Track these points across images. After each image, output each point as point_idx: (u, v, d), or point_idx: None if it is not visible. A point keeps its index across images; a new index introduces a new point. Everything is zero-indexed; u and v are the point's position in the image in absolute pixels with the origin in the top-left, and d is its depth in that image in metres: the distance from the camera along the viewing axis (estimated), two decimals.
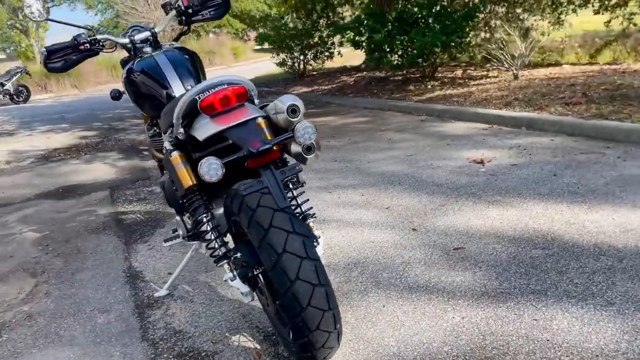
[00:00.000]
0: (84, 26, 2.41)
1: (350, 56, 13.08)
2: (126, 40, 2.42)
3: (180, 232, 2.25)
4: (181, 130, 1.61)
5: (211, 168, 1.40)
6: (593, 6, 9.23)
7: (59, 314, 2.32)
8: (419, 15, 7.15)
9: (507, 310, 1.89)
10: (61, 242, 3.27)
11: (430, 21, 7.19)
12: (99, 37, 2.36)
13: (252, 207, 1.51)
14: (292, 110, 1.58)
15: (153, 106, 2.21)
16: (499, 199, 3.02)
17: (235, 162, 1.54)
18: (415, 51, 7.24)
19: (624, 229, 2.42)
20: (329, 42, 11.67)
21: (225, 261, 1.70)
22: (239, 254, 1.67)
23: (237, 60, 28.07)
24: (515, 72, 6.61)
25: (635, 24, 8.68)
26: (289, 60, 12.06)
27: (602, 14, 9.07)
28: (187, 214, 2.16)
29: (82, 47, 2.31)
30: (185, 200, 1.77)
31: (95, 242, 3.19)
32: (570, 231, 2.47)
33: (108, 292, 2.49)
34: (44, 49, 2.24)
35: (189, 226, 2.15)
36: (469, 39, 7.16)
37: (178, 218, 2.20)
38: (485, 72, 8.00)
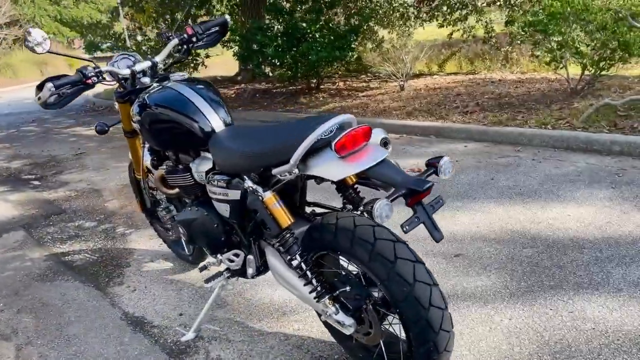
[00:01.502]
0: (87, 58, 2.19)
1: (213, 66, 12.94)
2: (127, 72, 2.26)
3: (223, 270, 2.17)
4: (296, 170, 1.59)
5: (385, 209, 1.41)
6: (437, 20, 10.41)
7: None
8: (308, 31, 7.40)
9: (542, 307, 2.16)
10: (11, 297, 2.86)
11: (317, 36, 7.48)
12: (103, 69, 2.17)
13: (370, 240, 1.57)
14: (384, 143, 1.67)
15: (180, 141, 2.10)
16: (460, 205, 3.35)
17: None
18: (305, 66, 7.48)
19: (583, 223, 2.87)
20: (194, 53, 11.42)
21: (327, 296, 1.71)
22: (347, 288, 1.70)
23: (72, 72, 25.87)
24: (401, 83, 7.19)
25: (474, 36, 9.96)
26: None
27: (446, 27, 10.28)
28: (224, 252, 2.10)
29: (89, 81, 2.11)
30: (279, 240, 1.74)
31: (58, 291, 2.86)
32: (542, 229, 2.86)
33: (121, 344, 2.29)
34: (50, 84, 2.00)
35: (231, 262, 2.09)
36: (355, 53, 7.60)
37: (220, 257, 2.12)
38: (365, 84, 8.55)
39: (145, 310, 2.55)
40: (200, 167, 2.09)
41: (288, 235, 1.72)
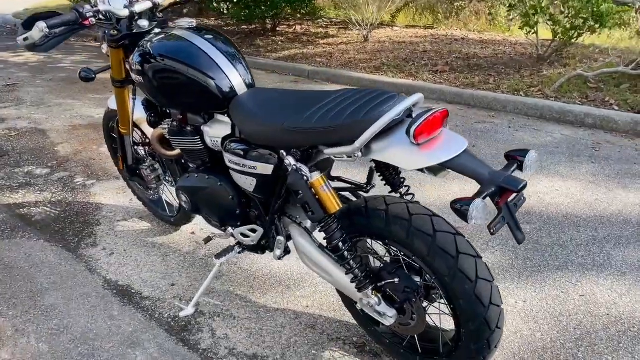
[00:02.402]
0: None
1: None
2: (126, 13, 1.94)
3: (234, 244, 1.99)
4: (359, 153, 1.41)
5: (482, 212, 1.26)
6: None
7: None
8: None
9: (553, 289, 2.17)
10: None
11: None
12: (101, 8, 1.85)
13: (429, 232, 1.45)
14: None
15: (192, 101, 1.85)
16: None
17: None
18: (265, 6, 7.05)
19: (573, 199, 2.91)
20: None
21: (371, 287, 1.60)
22: (396, 280, 1.58)
23: None
24: (366, 33, 6.96)
25: None
26: None
27: None
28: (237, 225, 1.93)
29: (86, 22, 1.79)
30: (322, 225, 1.58)
31: (21, 252, 2.55)
32: (534, 204, 2.87)
33: (111, 318, 2.07)
34: (43, 24, 1.67)
35: (245, 238, 1.92)
36: None
37: (232, 230, 1.94)
38: (322, 30, 8.22)
39: (131, 279, 2.33)
40: (215, 132, 1.86)
41: (332, 220, 1.56)
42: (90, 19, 1.80)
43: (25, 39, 1.74)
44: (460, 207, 1.25)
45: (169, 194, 2.70)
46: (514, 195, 1.32)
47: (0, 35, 9.96)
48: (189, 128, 1.94)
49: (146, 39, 1.94)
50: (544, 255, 2.40)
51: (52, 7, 12.27)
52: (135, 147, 2.51)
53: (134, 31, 2.01)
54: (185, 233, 2.71)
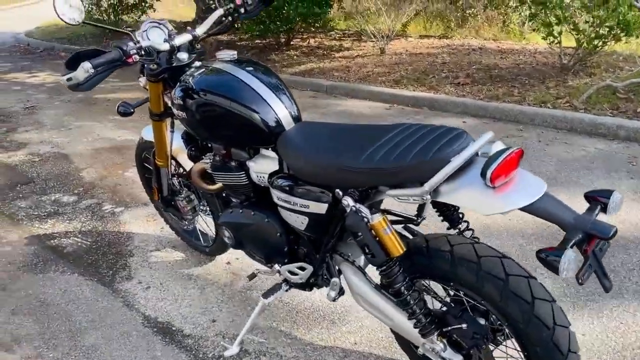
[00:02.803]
0: (124, 29, 1.80)
1: (167, 8, 12.09)
2: (167, 47, 1.90)
3: (281, 282, 1.93)
4: (428, 196, 1.34)
5: (574, 264, 1.18)
6: None
7: None
8: None
9: (611, 320, 2.08)
10: None
11: None
12: (143, 44, 1.80)
13: (501, 276, 1.38)
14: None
15: (237, 136, 1.79)
16: None
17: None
18: (279, 21, 7.03)
19: (617, 219, 2.82)
20: None
21: (436, 332, 1.52)
22: (463, 325, 1.51)
23: None
24: (382, 46, 6.90)
25: None
26: (94, 10, 10.41)
27: None
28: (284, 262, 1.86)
29: (130, 60, 1.75)
30: (384, 269, 1.51)
31: (56, 287, 2.50)
32: None
33: (154, 359, 2.02)
34: (88, 64, 1.62)
35: (293, 275, 1.85)
36: (332, 10, 7.21)
37: (278, 267, 1.87)
38: (336, 42, 8.19)
39: (170, 315, 2.27)
40: (262, 168, 1.80)
41: (393, 264, 1.49)
42: (133, 57, 1.75)
43: (69, 79, 1.69)
44: (549, 257, 1.18)
45: (203, 224, 2.64)
46: (601, 240, 1.25)
47: (13, 55, 10.00)
48: (233, 163, 1.88)
49: (187, 73, 1.90)
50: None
51: (64, 24, 12.34)
52: (171, 179, 2.46)
53: (174, 64, 1.97)
54: (220, 263, 2.65)
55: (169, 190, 2.49)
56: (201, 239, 2.69)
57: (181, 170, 2.41)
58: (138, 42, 1.78)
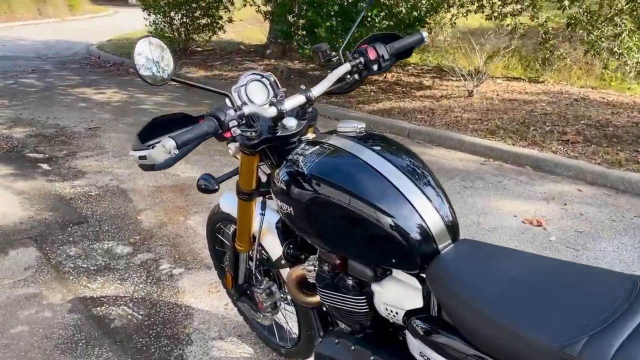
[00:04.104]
0: (222, 92, 1.29)
1: (235, 29, 11.91)
2: (274, 113, 1.37)
3: None
4: None
5: None
6: (483, 11, 9.44)
7: None
8: (367, 14, 6.42)
9: None
10: None
11: (376, 20, 6.51)
12: (246, 111, 1.28)
13: None
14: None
15: (365, 248, 1.24)
16: None
17: None
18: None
19: None
20: (217, 13, 10.20)
21: None
22: None
23: (72, 13, 24.26)
24: (470, 88, 6.28)
25: (524, 34, 9.05)
26: (166, 28, 10.21)
27: (494, 19, 9.33)
28: None
29: (228, 134, 1.23)
30: None
31: None
32: None
33: None
34: (172, 143, 1.11)
35: None
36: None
37: None
38: (415, 79, 7.63)
39: None
40: (394, 299, 1.24)
41: None
42: (232, 130, 1.23)
43: (142, 157, 1.19)
44: None
45: (282, 317, 2.09)
46: None
47: (84, 67, 9.94)
48: (349, 281, 1.33)
49: (298, 150, 1.37)
50: None
51: (136, 38, 12.30)
52: (250, 264, 1.93)
53: (278, 134, 1.44)
54: None
55: (246, 277, 1.96)
56: (277, 335, 2.14)
57: (264, 254, 1.88)
58: (239, 108, 1.26)
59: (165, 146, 1.12)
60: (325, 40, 6.50)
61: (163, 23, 10.25)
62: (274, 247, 1.73)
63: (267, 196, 1.67)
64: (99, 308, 2.51)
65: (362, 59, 1.53)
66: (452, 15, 9.47)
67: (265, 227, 1.74)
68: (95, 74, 9.18)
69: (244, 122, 1.31)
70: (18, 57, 10.62)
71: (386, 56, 1.54)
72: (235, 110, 1.26)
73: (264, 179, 1.65)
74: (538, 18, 9.61)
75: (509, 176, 4.17)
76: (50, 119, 5.98)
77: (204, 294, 2.62)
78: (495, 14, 9.34)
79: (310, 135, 1.50)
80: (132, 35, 12.80)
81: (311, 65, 8.56)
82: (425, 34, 1.62)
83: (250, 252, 1.86)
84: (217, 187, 1.56)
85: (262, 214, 1.68)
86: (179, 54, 10.47)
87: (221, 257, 2.22)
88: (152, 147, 1.19)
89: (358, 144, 1.31)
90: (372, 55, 1.52)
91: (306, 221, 1.31)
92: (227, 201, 1.94)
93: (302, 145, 1.40)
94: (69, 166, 4.47)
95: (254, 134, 1.41)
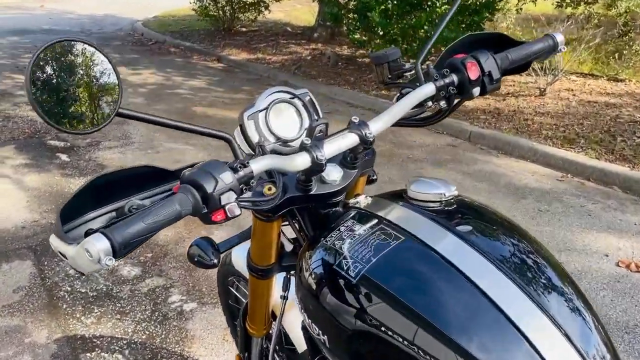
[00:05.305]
0: (220, 135, 0.73)
1: (283, 8, 11.34)
2: (307, 163, 0.80)
3: None
4: None
5: None
6: None
7: None
8: None
9: None
10: None
11: (437, 4, 5.79)
12: (256, 168, 0.72)
13: None
14: None
15: None
16: None
17: None
18: (416, 43, 5.87)
19: None
20: None
21: None
22: None
23: None
24: (543, 85, 5.51)
25: (598, 25, 8.15)
26: (211, 6, 9.70)
27: (565, 7, 8.53)
28: None
29: (221, 214, 0.67)
30: None
31: None
32: None
33: None
34: (105, 243, 0.56)
35: None
36: None
37: None
38: None
39: None
40: None
41: None
42: (228, 207, 0.68)
43: (63, 255, 0.66)
44: None
45: None
46: None
47: (125, 45, 9.57)
48: None
49: (342, 230, 0.81)
50: None
51: (181, 15, 11.89)
52: (268, 345, 1.38)
53: (313, 191, 0.87)
54: None
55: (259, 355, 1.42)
56: None
57: (284, 338, 1.33)
58: (244, 165, 0.71)
59: (91, 250, 0.58)
60: (379, 26, 5.85)
61: (208, 0, 9.78)
62: (301, 335, 1.18)
63: (292, 272, 1.11)
64: (88, 355, 2.03)
65: (454, 78, 0.94)
66: (519, 0, 8.72)
67: (290, 302, 1.18)
68: (136, 52, 8.81)
69: (253, 185, 0.75)
70: (62, 32, 10.36)
71: (495, 74, 0.94)
72: (236, 170, 0.70)
73: (288, 247, 1.09)
74: (617, 7, 8.68)
75: (594, 199, 3.47)
76: None
77: (217, 343, 2.12)
78: (568, 1, 8.54)
79: (362, 198, 0.92)
80: (177, 13, 12.42)
81: (361, 52, 7.90)
82: (561, 37, 1.01)
83: (269, 331, 1.32)
84: (215, 261, 0.99)
85: (285, 298, 1.12)
86: (223, 34, 10.00)
87: (235, 313, 1.69)
88: (75, 243, 0.65)
89: (446, 231, 0.75)
90: (473, 73, 0.92)
91: (338, 336, 0.76)
92: (240, 256, 1.40)
93: (349, 221, 0.84)
94: (89, 158, 4.05)
95: (274, 189, 0.84)
